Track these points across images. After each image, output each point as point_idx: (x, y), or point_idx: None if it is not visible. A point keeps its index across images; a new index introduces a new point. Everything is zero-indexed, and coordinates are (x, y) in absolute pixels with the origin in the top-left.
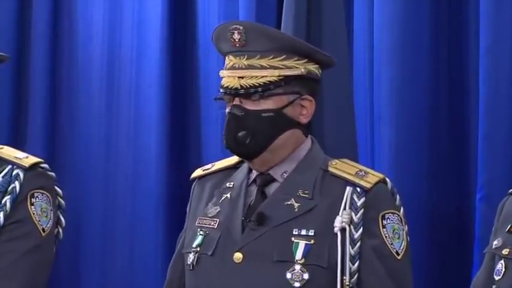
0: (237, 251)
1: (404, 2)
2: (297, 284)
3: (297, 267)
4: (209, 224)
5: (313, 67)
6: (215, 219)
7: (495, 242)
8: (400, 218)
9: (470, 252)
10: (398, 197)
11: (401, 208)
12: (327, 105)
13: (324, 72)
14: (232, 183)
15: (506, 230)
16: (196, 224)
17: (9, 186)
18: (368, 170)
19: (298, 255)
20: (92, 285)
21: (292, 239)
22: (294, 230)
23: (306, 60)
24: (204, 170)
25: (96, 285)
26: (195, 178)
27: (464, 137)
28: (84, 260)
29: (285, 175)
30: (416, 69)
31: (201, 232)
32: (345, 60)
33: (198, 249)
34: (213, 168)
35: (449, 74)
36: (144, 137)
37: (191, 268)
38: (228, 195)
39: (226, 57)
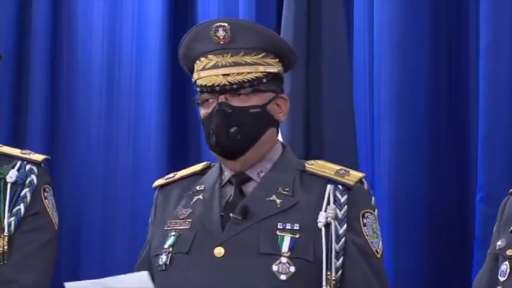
0: (218, 246)
1: (404, 2)
2: (283, 277)
3: (284, 259)
4: (181, 225)
5: (281, 67)
6: (187, 220)
7: (498, 243)
8: (376, 218)
9: (471, 252)
10: (373, 198)
11: (376, 209)
12: (327, 105)
13: (324, 71)
14: (202, 185)
15: (510, 230)
16: (165, 228)
17: (26, 179)
18: (347, 169)
19: (285, 248)
20: None
21: (277, 232)
22: (279, 224)
23: (277, 59)
24: (166, 179)
25: None
26: (156, 187)
27: (464, 137)
28: (84, 260)
29: (261, 174)
30: (416, 69)
31: (173, 233)
32: (345, 60)
33: (171, 249)
34: (177, 177)
35: (449, 74)
36: (144, 137)
37: (163, 268)
38: (200, 196)
39: (202, 58)
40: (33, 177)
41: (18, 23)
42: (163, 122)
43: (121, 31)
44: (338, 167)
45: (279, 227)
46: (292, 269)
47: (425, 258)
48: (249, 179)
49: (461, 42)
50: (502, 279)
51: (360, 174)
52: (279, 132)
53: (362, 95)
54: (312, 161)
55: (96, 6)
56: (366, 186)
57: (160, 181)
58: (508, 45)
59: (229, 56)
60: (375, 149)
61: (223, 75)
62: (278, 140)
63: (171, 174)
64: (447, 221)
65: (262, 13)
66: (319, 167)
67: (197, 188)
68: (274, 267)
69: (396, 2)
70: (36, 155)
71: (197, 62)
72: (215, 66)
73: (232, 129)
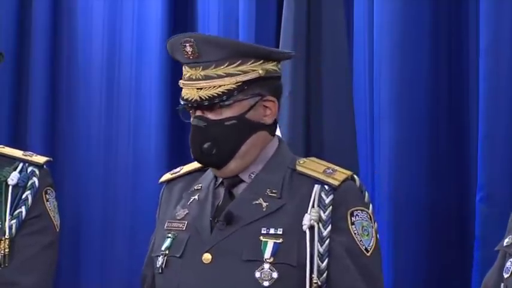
0: (206, 252)
1: (404, 2)
2: (266, 283)
3: (266, 266)
4: (178, 227)
5: (271, 65)
6: (183, 222)
7: (506, 240)
8: (369, 215)
9: (471, 252)
10: (367, 194)
11: (371, 205)
12: (327, 105)
13: (324, 71)
14: (200, 185)
15: None
16: (165, 228)
17: (28, 181)
18: (336, 167)
19: (267, 254)
20: (92, 285)
21: (261, 238)
22: (263, 229)
23: (262, 61)
24: (172, 174)
25: (96, 285)
26: (163, 182)
27: (464, 137)
28: (84, 260)
29: (253, 175)
30: (416, 69)
31: (170, 235)
32: (345, 60)
33: (167, 252)
34: (181, 172)
35: (449, 74)
36: (144, 137)
37: (160, 271)
38: (196, 197)
39: (183, 67)
40: (35, 179)
41: (18, 22)
42: (163, 122)
43: (121, 31)
44: (326, 166)
45: (262, 232)
46: (275, 274)
47: (425, 258)
48: (241, 181)
49: (461, 42)
50: (505, 275)
51: (347, 172)
52: (278, 130)
53: (362, 95)
54: (304, 159)
55: (96, 6)
56: (357, 183)
57: (167, 176)
58: (508, 45)
59: (200, 69)
60: (375, 149)
61: (197, 89)
62: (276, 136)
63: (177, 169)
64: (447, 221)
65: (262, 13)
66: (309, 165)
67: (195, 187)
68: (257, 274)
69: (396, 2)
70: (38, 156)
71: (183, 67)
72: (190, 79)
73: (206, 145)
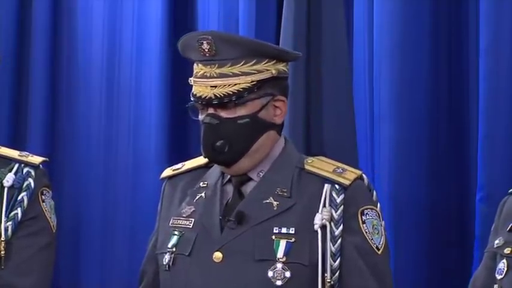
0: (217, 251)
1: (404, 2)
2: (278, 282)
3: (279, 265)
4: (184, 224)
5: (282, 66)
6: (190, 219)
7: (496, 241)
8: (378, 213)
9: (471, 252)
10: (375, 192)
11: (378, 204)
12: (327, 105)
13: (324, 71)
14: (206, 182)
15: (508, 229)
16: (170, 225)
17: (23, 183)
18: (345, 166)
19: (280, 253)
20: (92, 285)
21: (273, 237)
22: (275, 228)
23: (274, 61)
24: (174, 170)
25: (96, 285)
26: (164, 178)
27: (464, 137)
28: (84, 260)
29: (261, 174)
30: (416, 69)
31: (176, 232)
32: (345, 60)
33: (174, 249)
34: (184, 168)
35: (449, 74)
36: (144, 137)
37: (167, 268)
38: (203, 194)
39: (195, 65)
40: (31, 180)
41: (18, 22)
42: (163, 122)
43: (121, 31)
44: (336, 165)
45: (274, 231)
46: (288, 274)
47: (425, 258)
48: (249, 179)
49: (461, 42)
50: (499, 277)
51: (358, 172)
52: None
53: (362, 95)
54: (312, 158)
55: (96, 6)
56: (366, 182)
57: (168, 172)
58: (508, 45)
59: (216, 67)
60: (375, 149)
61: (211, 86)
62: (281, 136)
63: (179, 165)
64: (447, 221)
65: (262, 13)
66: (318, 165)
67: (201, 184)
68: (270, 273)
69: (396, 2)
70: (34, 157)
71: (194, 65)
72: (204, 76)
73: (218, 143)
